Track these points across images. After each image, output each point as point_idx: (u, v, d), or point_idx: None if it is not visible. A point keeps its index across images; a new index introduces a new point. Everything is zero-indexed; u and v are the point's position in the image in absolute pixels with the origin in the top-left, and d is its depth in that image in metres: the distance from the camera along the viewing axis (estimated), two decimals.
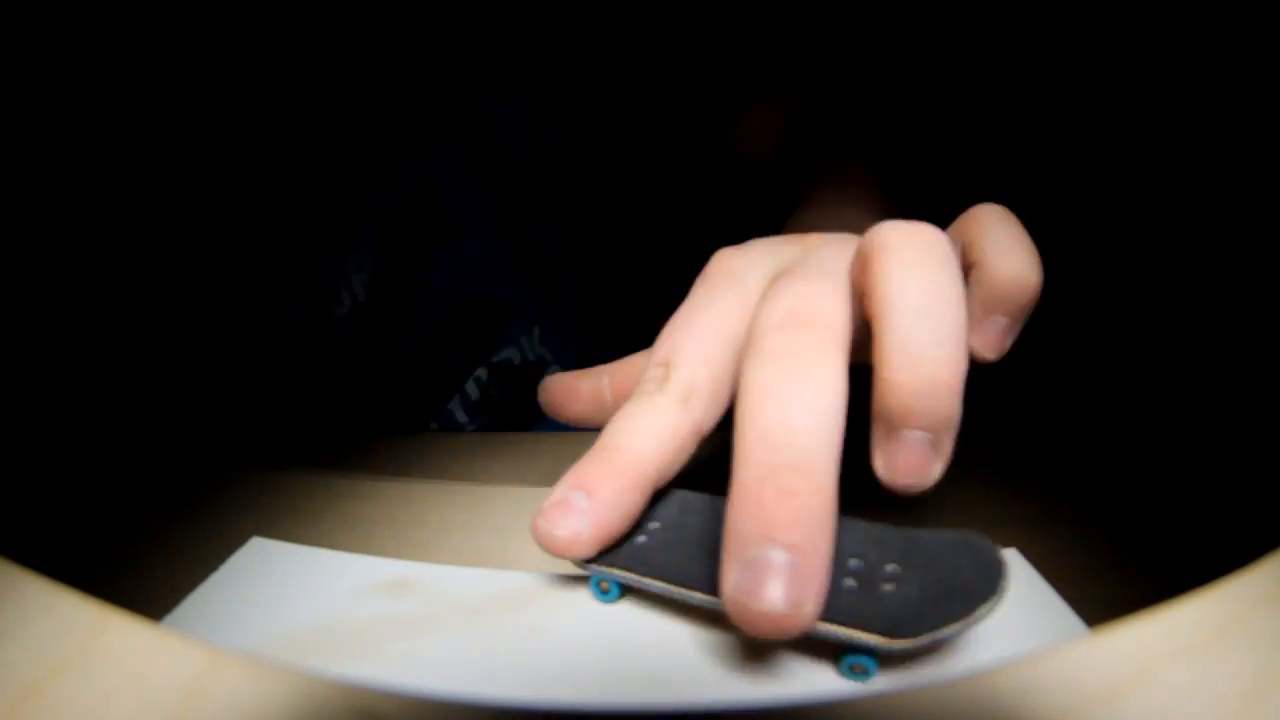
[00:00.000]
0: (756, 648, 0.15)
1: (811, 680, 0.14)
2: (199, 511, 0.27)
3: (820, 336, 0.14)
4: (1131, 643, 0.12)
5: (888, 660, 0.14)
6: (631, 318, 0.32)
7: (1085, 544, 0.26)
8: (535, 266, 0.50)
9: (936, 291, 0.13)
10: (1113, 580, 0.24)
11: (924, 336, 0.13)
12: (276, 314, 0.42)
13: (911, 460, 0.13)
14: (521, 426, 0.50)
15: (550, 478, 0.33)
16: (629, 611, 0.17)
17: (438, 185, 0.44)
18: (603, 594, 0.17)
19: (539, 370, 0.51)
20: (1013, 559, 0.19)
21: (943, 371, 0.13)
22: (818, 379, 0.13)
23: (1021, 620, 0.17)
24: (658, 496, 0.16)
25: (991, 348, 0.16)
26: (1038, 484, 0.31)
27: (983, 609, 0.13)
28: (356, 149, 0.41)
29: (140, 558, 0.25)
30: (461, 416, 0.49)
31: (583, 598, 0.18)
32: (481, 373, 0.48)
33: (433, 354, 0.47)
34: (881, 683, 0.14)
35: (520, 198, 0.47)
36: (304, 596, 0.19)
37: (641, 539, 0.16)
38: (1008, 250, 0.15)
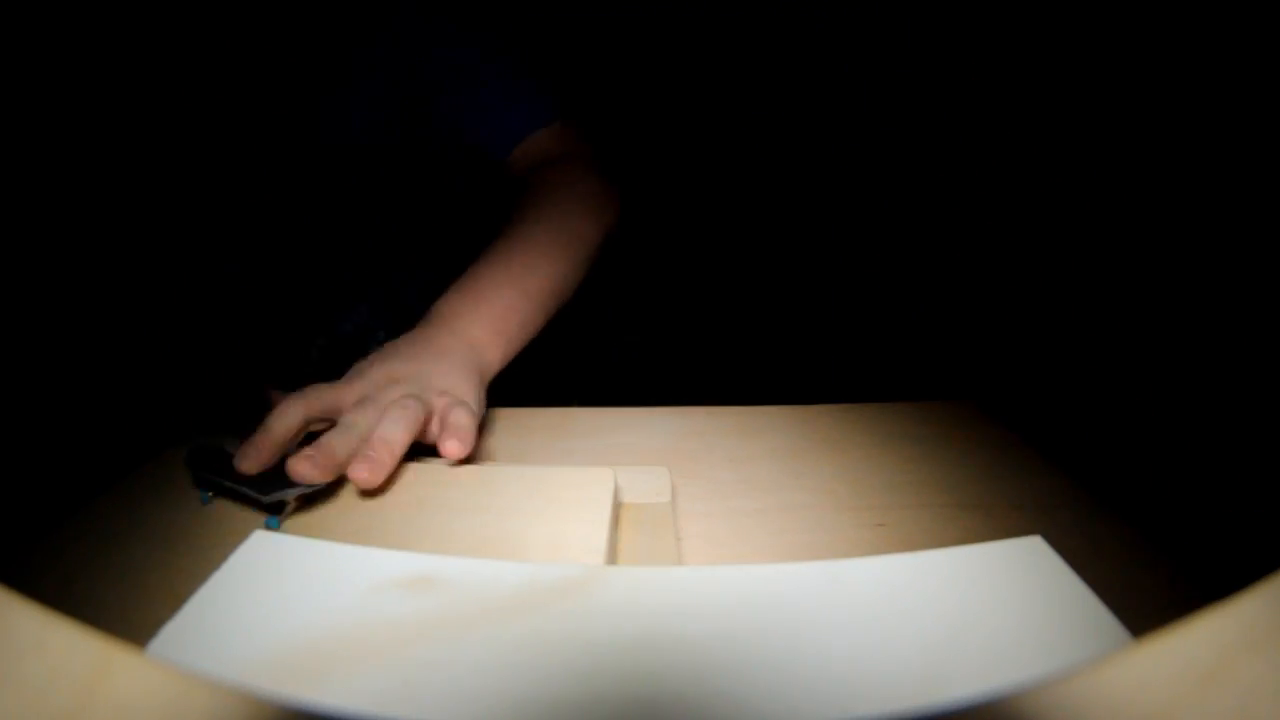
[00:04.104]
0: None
1: None
2: (178, 496, 0.26)
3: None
4: (1192, 645, 0.12)
5: None
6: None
7: (1107, 528, 0.26)
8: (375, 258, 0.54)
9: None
10: (1131, 562, 0.25)
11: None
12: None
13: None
14: None
15: (549, 454, 0.32)
16: (660, 607, 0.17)
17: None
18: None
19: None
20: (1038, 547, 0.19)
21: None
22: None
23: (1048, 609, 0.17)
24: None
25: None
26: (1060, 470, 0.31)
27: None
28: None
29: (128, 553, 0.23)
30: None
31: (606, 589, 0.17)
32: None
33: None
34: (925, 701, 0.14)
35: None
36: (320, 595, 0.17)
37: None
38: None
